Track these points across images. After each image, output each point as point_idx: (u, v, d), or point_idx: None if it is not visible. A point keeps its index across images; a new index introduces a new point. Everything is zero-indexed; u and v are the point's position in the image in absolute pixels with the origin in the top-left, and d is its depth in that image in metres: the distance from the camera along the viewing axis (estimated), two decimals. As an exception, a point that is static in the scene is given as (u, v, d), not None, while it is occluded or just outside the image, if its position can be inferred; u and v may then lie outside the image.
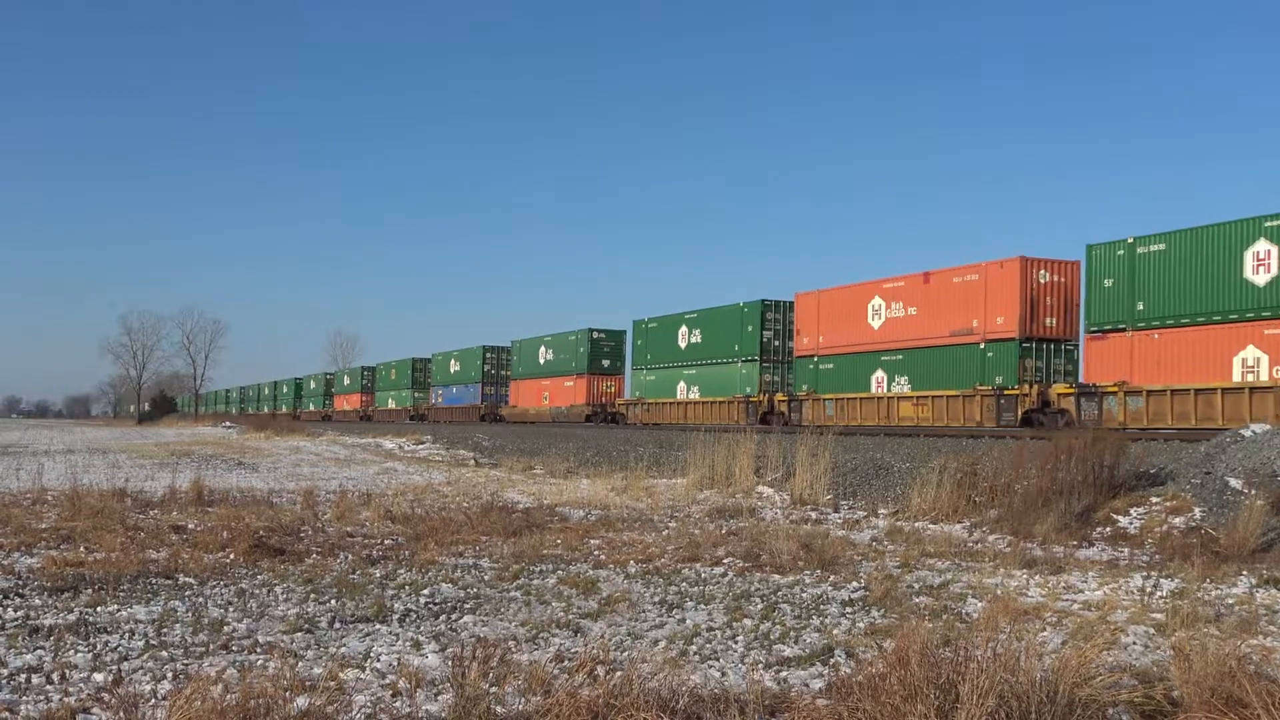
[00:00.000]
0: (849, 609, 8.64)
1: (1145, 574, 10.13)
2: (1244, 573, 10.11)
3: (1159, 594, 9.18)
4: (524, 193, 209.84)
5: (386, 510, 14.82)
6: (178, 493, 16.36)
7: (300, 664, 6.61)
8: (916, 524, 14.27)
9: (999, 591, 9.27)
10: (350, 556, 11.00)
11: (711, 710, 5.69)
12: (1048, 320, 27.57)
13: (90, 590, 8.83)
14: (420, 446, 37.07)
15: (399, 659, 6.76)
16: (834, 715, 5.69)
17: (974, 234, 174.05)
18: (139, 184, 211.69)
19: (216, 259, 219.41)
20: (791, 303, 36.67)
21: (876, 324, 31.91)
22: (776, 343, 37.68)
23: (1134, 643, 7.46)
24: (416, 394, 73.49)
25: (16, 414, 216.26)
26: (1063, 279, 27.66)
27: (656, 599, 8.97)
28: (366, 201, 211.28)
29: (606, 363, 50.42)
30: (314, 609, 8.32)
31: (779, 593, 9.30)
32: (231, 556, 10.77)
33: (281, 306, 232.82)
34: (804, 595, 9.19)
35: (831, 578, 10.03)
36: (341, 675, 6.35)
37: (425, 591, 9.13)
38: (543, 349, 54.83)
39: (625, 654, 6.97)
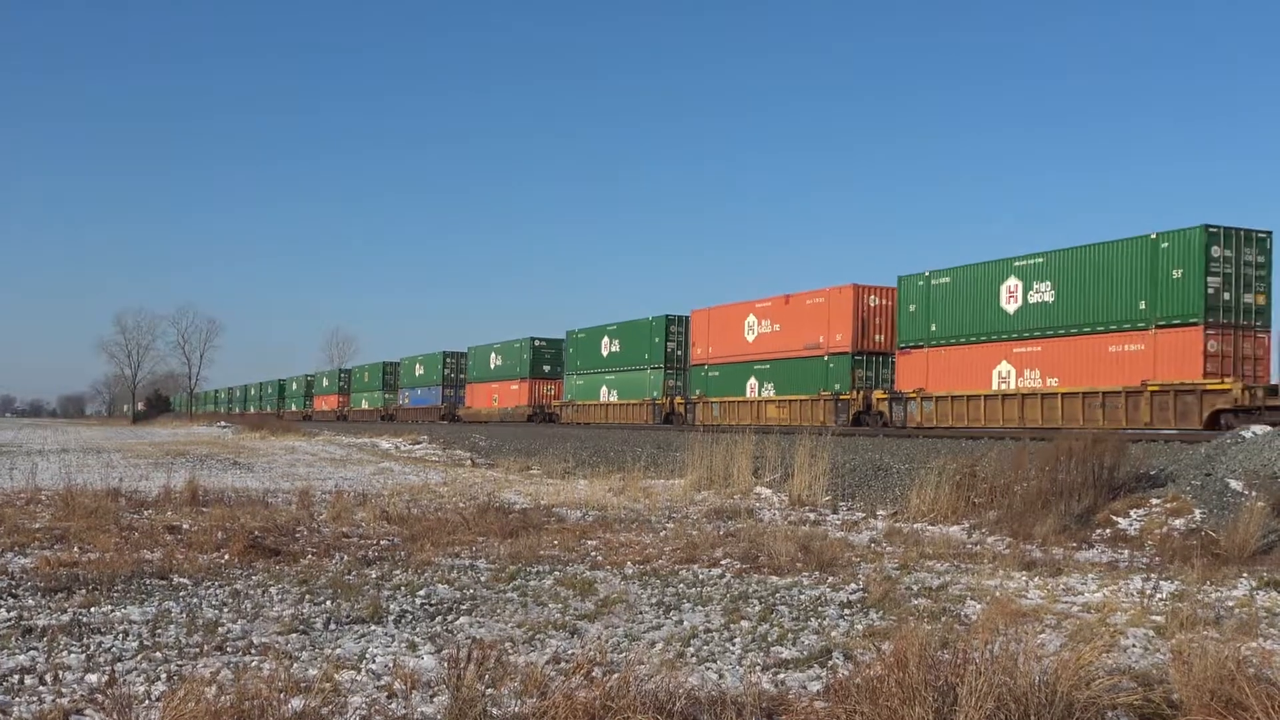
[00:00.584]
0: (847, 611, 8.61)
1: (1145, 576, 10.11)
2: (1244, 575, 10.09)
3: (1159, 596, 9.15)
4: (523, 192, 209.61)
5: (382, 510, 14.77)
6: (172, 493, 16.31)
7: (295, 665, 6.57)
8: (915, 525, 14.24)
9: (998, 593, 9.24)
10: (346, 557, 10.96)
11: (709, 712, 5.65)
12: (877, 337, 33.25)
13: (84, 591, 8.77)
14: (416, 446, 37.03)
15: (394, 660, 6.72)
16: (832, 718, 5.66)
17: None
18: (135, 183, 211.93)
19: (213, 258, 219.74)
20: (689, 317, 42.64)
21: (750, 338, 37.90)
22: (679, 352, 43.85)
23: (1133, 645, 7.44)
24: (387, 395, 78.86)
25: (10, 413, 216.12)
26: (887, 303, 33.03)
27: (654, 600, 8.93)
28: (365, 200, 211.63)
29: (548, 368, 56.14)
30: (309, 610, 8.27)
31: (777, 594, 9.27)
32: (226, 557, 10.72)
33: (278, 306, 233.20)
34: (802, 597, 9.16)
35: (830, 579, 9.99)
36: (337, 677, 6.31)
37: (421, 592, 9.08)
38: (493, 355, 61.04)
39: (622, 656, 6.94)
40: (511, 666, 6.47)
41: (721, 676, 6.56)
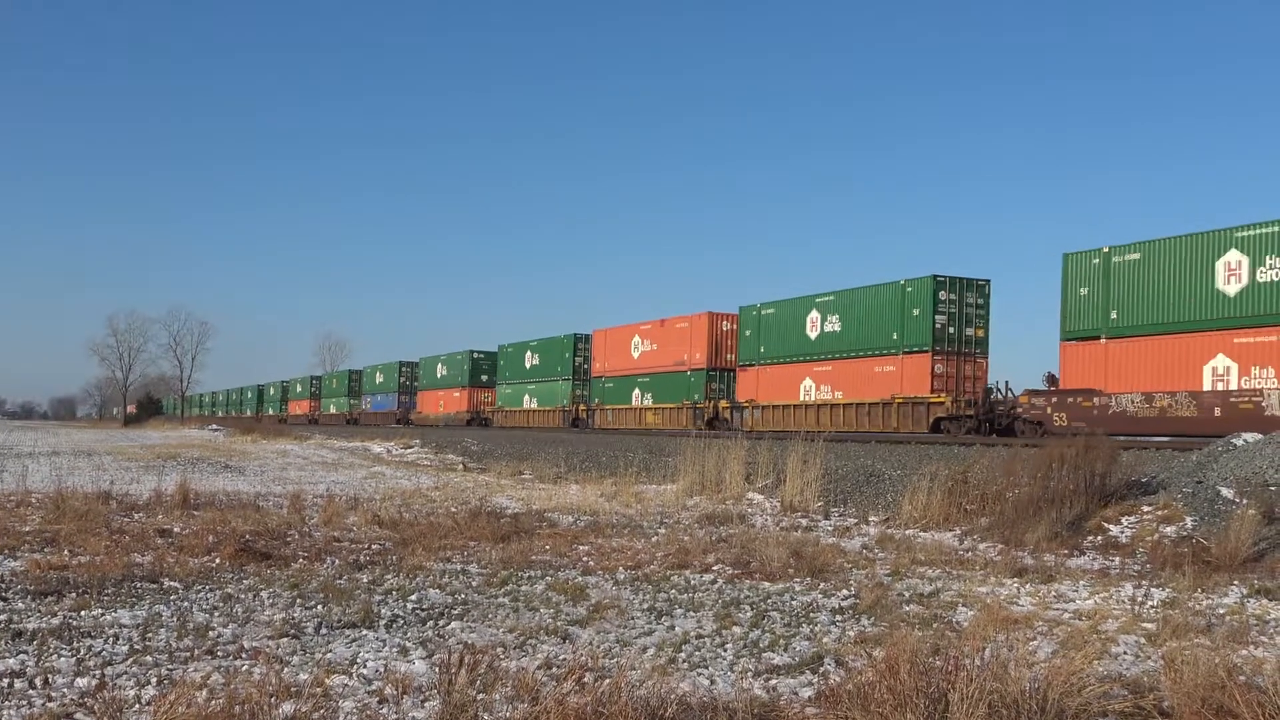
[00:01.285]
0: (839, 617, 8.61)
1: (1136, 583, 10.13)
2: (1235, 582, 10.10)
3: (1150, 603, 9.17)
4: (518, 195, 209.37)
5: (374, 515, 14.75)
6: (163, 496, 16.26)
7: (286, 670, 6.55)
8: (907, 531, 14.25)
9: (989, 600, 9.24)
10: (337, 561, 10.94)
11: (700, 719, 5.65)
12: (729, 356, 40.62)
13: (74, 594, 8.75)
14: (408, 451, 36.97)
15: (386, 665, 6.71)
16: (825, 724, 5.66)
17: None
18: (126, 184, 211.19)
19: (206, 260, 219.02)
20: (592, 335, 50.42)
21: (636, 355, 45.86)
22: (585, 365, 51.15)
23: (1125, 652, 7.44)
24: (352, 401, 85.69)
25: (1, 415, 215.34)
26: (734, 327, 40.33)
27: (645, 606, 8.93)
28: (360, 203, 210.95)
29: (485, 377, 63.09)
30: (300, 614, 8.26)
31: (769, 600, 9.27)
32: (217, 560, 10.69)
33: (271, 309, 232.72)
34: (794, 603, 9.16)
35: (821, 585, 10.00)
36: (328, 681, 6.29)
37: (413, 597, 9.07)
38: (439, 365, 68.52)
39: (614, 661, 6.93)
40: (503, 672, 6.45)
41: (713, 682, 6.56)
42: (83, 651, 6.91)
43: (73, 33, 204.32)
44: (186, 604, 8.58)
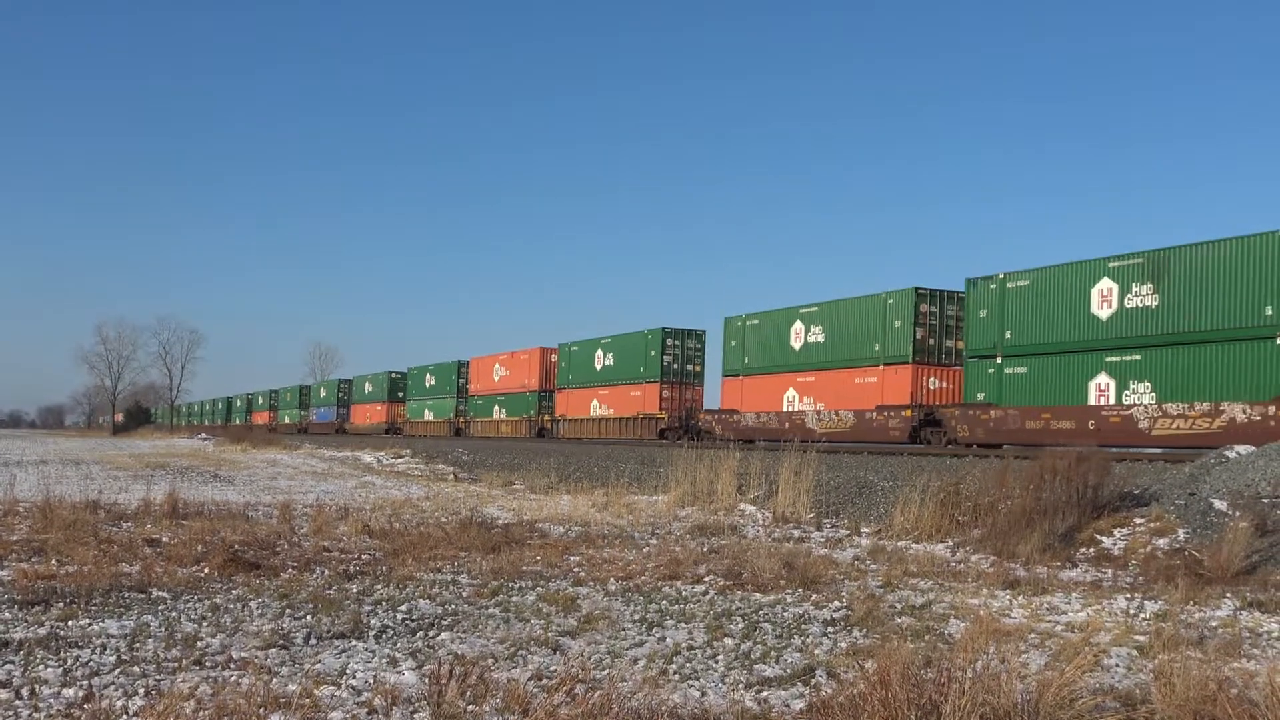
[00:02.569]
0: (831, 629, 8.59)
1: (1129, 595, 10.13)
2: (1228, 595, 10.11)
3: (1142, 615, 9.17)
4: (517, 205, 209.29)
5: (364, 525, 14.70)
6: (152, 505, 16.19)
7: (275, 680, 6.50)
8: (899, 543, 14.24)
9: (982, 612, 9.22)
10: (327, 571, 10.89)
11: (693, 731, 5.62)
12: (553, 381, 51.67)
13: (61, 604, 8.69)
14: (399, 461, 36.89)
15: (375, 676, 6.66)
16: (817, 737, 5.63)
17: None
18: (115, 192, 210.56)
19: (196, 268, 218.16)
20: (469, 362, 62.32)
21: (496, 379, 57.92)
22: (466, 386, 62.19)
23: (1117, 665, 7.43)
24: (302, 412, 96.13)
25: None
26: (557, 359, 51.34)
27: (637, 617, 8.89)
28: (351, 212, 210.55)
29: (401, 394, 73.62)
30: (289, 624, 8.21)
31: (760, 612, 9.24)
32: (206, 570, 10.63)
33: (261, 317, 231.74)
34: (785, 614, 9.13)
35: (813, 597, 9.97)
36: (316, 692, 6.25)
37: (402, 608, 9.02)
38: (366, 383, 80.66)
39: (605, 673, 6.90)
40: (493, 683, 6.42)
41: (704, 694, 6.52)
42: (70, 662, 6.85)
43: (58, 40, 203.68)
44: (175, 614, 8.52)
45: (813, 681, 6.86)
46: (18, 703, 5.93)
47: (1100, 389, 23.91)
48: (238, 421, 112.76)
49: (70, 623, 8.03)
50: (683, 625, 8.59)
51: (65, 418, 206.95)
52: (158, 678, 6.53)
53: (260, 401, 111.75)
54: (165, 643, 7.46)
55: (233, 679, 6.51)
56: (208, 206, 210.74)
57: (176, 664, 6.88)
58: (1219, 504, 13.18)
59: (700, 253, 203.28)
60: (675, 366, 42.20)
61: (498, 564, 11.59)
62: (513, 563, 11.66)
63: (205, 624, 8.16)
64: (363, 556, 12.08)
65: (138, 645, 7.38)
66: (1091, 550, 13.01)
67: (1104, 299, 23.97)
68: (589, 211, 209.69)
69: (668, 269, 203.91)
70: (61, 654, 7.06)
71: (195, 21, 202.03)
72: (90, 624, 8.01)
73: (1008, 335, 26.20)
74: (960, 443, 26.68)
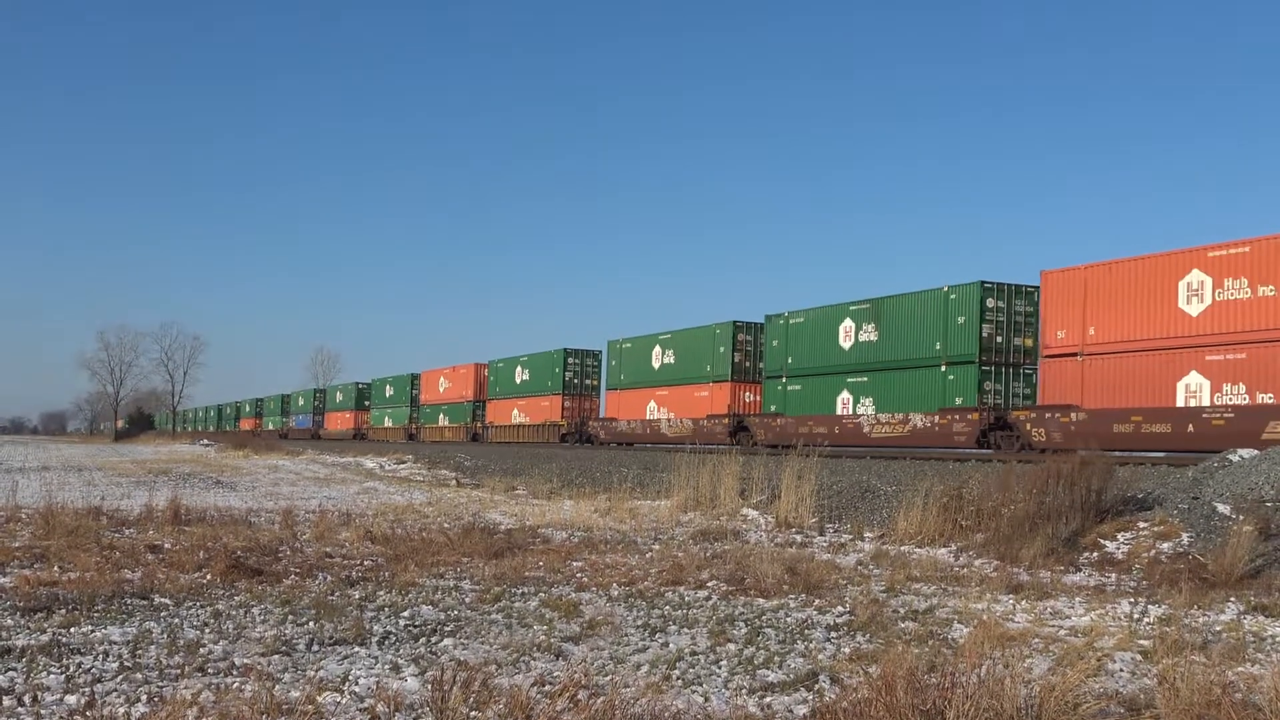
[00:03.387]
0: (834, 634, 8.57)
1: (1132, 600, 10.11)
2: (1232, 599, 10.09)
3: (1146, 620, 9.15)
4: (516, 211, 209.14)
5: (366, 530, 14.69)
6: (154, 511, 16.19)
7: (277, 687, 6.49)
8: (902, 548, 14.22)
9: (985, 617, 9.21)
10: (329, 577, 10.88)
11: (696, 737, 5.61)
12: (487, 393, 58.55)
13: (64, 610, 8.69)
14: (401, 466, 36.89)
15: (378, 682, 6.66)
16: (820, 742, 5.62)
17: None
18: (118, 198, 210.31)
19: (199, 274, 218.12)
20: (420, 375, 69.30)
21: (441, 390, 65.61)
22: (419, 395, 69.27)
23: (1120, 669, 7.42)
24: (283, 419, 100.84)
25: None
26: (488, 374, 58.42)
27: (639, 622, 8.88)
28: (355, 217, 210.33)
29: (367, 403, 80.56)
30: (292, 631, 8.20)
31: (763, 617, 9.22)
32: (208, 577, 10.63)
33: (265, 323, 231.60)
34: (788, 620, 9.11)
35: (816, 602, 9.96)
36: (319, 699, 6.24)
37: (405, 614, 9.01)
38: (338, 393, 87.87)
39: (607, 678, 6.89)
40: (496, 689, 6.41)
41: (707, 700, 6.51)
42: (72, 668, 6.85)
43: (59, 44, 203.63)
44: (177, 620, 8.52)
45: (816, 687, 6.84)
46: (20, 709, 5.93)
47: (844, 403, 30.76)
48: (227, 428, 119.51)
49: (72, 629, 8.03)
50: (685, 631, 8.58)
51: (67, 424, 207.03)
52: (160, 684, 6.52)
53: (247, 409, 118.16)
54: (168, 649, 7.46)
55: (235, 686, 6.50)
56: (210, 212, 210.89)
57: (179, 671, 6.87)
58: (1222, 508, 13.15)
59: (709, 258, 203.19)
60: (576, 381, 49.71)
61: (500, 569, 11.58)
62: (515, 568, 11.65)
63: (208, 630, 8.16)
64: (365, 562, 12.08)
65: (140, 652, 7.38)
66: (1095, 554, 12.99)
67: (846, 334, 30.90)
68: (590, 215, 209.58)
69: (671, 273, 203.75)
70: (64, 661, 7.05)
71: (197, 27, 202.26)
72: (92, 630, 8.00)
73: (789, 360, 32.89)
74: (761, 444, 32.50)
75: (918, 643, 8.14)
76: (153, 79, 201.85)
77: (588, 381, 50.00)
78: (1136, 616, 9.26)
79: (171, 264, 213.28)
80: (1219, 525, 12.75)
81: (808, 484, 17.49)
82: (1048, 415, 24.24)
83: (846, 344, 30.65)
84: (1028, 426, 24.81)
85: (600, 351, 49.24)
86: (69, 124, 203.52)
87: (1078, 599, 10.28)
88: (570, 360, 49.95)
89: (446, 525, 15.98)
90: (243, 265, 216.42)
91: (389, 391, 74.95)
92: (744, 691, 6.73)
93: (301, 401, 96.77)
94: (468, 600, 9.79)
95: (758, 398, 35.47)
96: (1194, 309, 21.85)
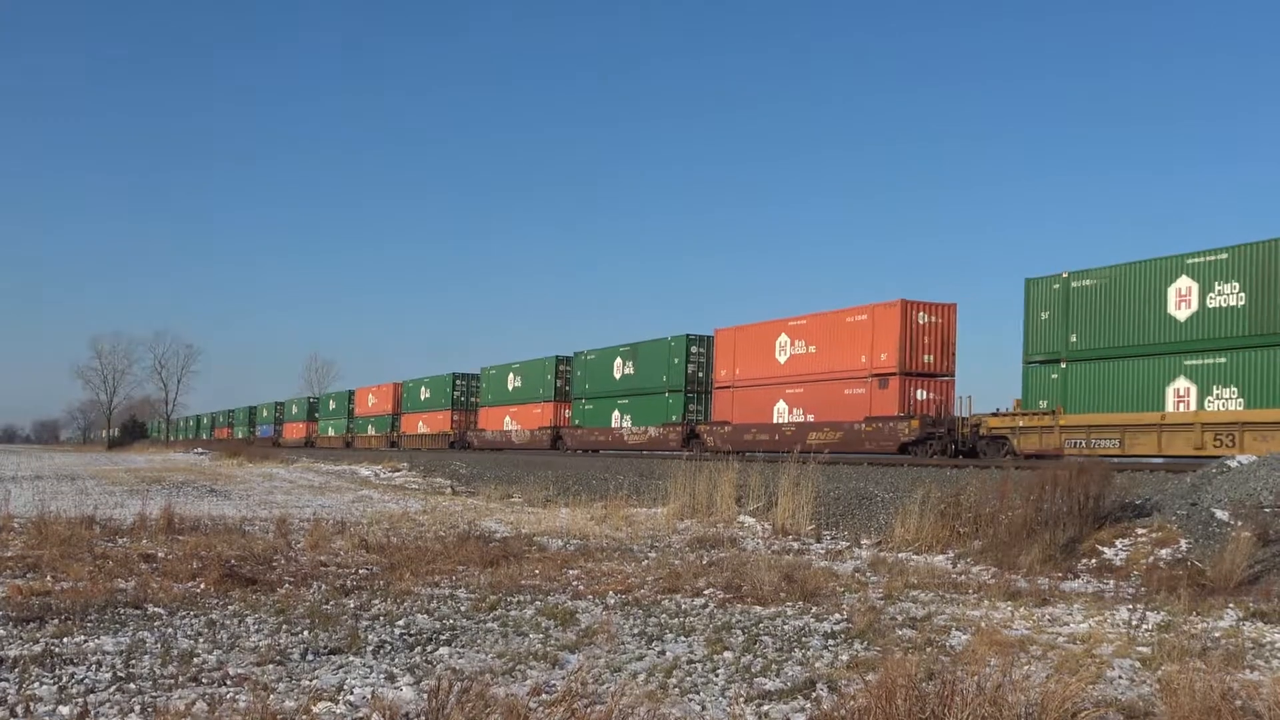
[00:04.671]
0: (832, 641, 8.53)
1: (1131, 606, 10.08)
2: (1230, 605, 10.07)
3: (1145, 627, 9.12)
4: (516, 213, 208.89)
5: (361, 539, 14.64)
6: (147, 520, 16.12)
7: (272, 697, 6.44)
8: (900, 555, 14.20)
9: (983, 624, 9.18)
10: (324, 586, 10.82)
11: (694, 746, 5.56)
12: (400, 408, 69.80)
13: (56, 620, 8.63)
14: (396, 474, 36.84)
15: (373, 692, 6.60)
16: (820, 751, 5.58)
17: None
18: (111, 207, 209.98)
19: (192, 282, 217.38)
20: (354, 391, 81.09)
21: (370, 404, 76.15)
22: (354, 408, 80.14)
23: (1120, 676, 7.40)
24: (249, 428, 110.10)
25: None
26: (401, 390, 70.38)
27: (636, 631, 8.84)
28: (352, 222, 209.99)
29: (317, 415, 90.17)
30: (286, 640, 8.15)
31: (760, 624, 9.18)
32: (202, 586, 10.58)
33: (261, 330, 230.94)
34: (786, 627, 9.08)
35: (814, 609, 9.92)
36: (314, 709, 6.20)
37: (400, 622, 8.96)
38: (294, 406, 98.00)
39: (605, 687, 6.84)
40: (492, 698, 6.36)
41: (704, 708, 6.48)
42: (65, 679, 6.79)
43: (48, 49, 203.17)
44: (171, 630, 8.46)
45: (814, 695, 6.81)
46: (11, 721, 5.88)
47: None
48: (204, 436, 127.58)
49: (65, 639, 7.97)
50: (682, 639, 8.53)
51: (60, 433, 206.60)
52: (154, 695, 6.47)
53: (221, 419, 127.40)
54: (161, 659, 7.40)
55: (229, 696, 6.45)
56: (204, 219, 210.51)
57: (173, 681, 6.82)
58: (1221, 514, 13.14)
59: (693, 263, 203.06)
60: (462, 399, 62.01)
61: (496, 578, 11.53)
62: (511, 577, 11.61)
63: (201, 640, 8.10)
64: (360, 571, 12.02)
65: (134, 662, 7.32)
66: (1093, 561, 12.97)
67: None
68: (586, 218, 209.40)
69: (673, 275, 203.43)
70: (56, 671, 6.99)
71: (186, 27, 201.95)
72: (86, 641, 7.94)
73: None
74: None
75: (916, 650, 8.10)
76: (147, 85, 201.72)
77: (472, 399, 61.42)
78: (1135, 623, 9.23)
79: (165, 272, 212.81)
80: (1217, 531, 12.73)
81: (805, 491, 17.46)
82: (714, 427, 36.29)
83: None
84: (704, 435, 36.64)
85: (478, 374, 60.21)
86: (63, 131, 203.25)
87: (1076, 606, 10.26)
88: (458, 381, 61.13)
89: (442, 533, 15.94)
90: (238, 273, 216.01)
91: (331, 405, 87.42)
92: (741, 700, 6.69)
93: (265, 413, 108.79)
94: (463, 609, 9.74)
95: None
96: (782, 357, 33.64)
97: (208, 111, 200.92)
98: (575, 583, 11.53)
